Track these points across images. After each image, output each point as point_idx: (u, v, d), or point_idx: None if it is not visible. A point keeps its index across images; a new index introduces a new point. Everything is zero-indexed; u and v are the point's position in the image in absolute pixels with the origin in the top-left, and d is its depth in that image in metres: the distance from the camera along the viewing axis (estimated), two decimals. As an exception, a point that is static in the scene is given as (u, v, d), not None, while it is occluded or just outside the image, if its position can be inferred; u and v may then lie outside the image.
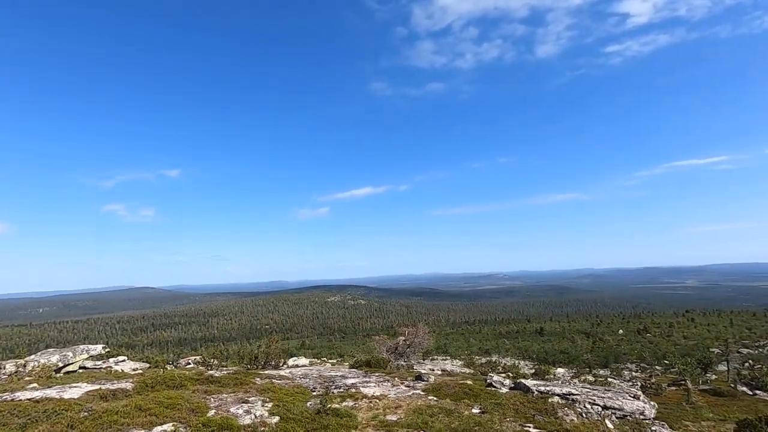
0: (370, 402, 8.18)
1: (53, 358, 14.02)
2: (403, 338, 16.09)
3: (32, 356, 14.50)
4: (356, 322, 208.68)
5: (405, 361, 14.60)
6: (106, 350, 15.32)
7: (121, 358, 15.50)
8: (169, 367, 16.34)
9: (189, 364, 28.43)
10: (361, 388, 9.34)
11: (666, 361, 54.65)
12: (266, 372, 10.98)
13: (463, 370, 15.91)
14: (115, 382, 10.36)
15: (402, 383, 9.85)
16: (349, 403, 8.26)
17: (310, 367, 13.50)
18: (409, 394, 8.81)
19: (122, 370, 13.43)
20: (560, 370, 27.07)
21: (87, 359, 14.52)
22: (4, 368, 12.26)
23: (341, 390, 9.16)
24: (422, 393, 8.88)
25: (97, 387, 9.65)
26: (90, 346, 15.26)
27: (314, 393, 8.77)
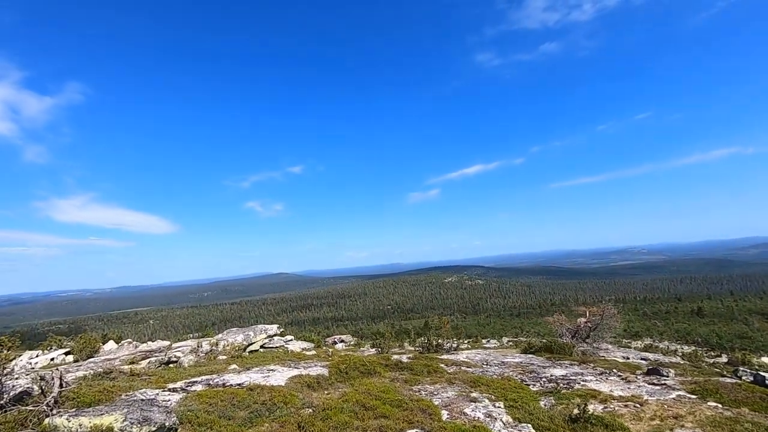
0: (626, 406, 6.46)
1: (238, 337, 15.14)
2: (585, 319, 13.79)
3: (220, 335, 15.96)
4: (475, 302, 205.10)
5: (590, 346, 12.40)
6: (281, 330, 16.27)
7: (288, 337, 16.49)
8: (325, 348, 17.05)
9: (336, 342, 29.93)
10: (590, 384, 7.67)
11: None
12: (445, 357, 10.15)
13: (663, 359, 13.05)
14: (308, 365, 10.63)
15: (636, 378, 7.87)
16: (597, 406, 6.64)
17: (480, 351, 12.27)
18: (672, 396, 6.80)
19: (294, 351, 14.13)
20: (766, 360, 21.51)
21: (266, 339, 15.67)
22: (201, 347, 13.64)
23: (563, 386, 7.61)
24: (689, 396, 6.79)
25: (296, 372, 9.72)
26: (267, 327, 16.33)
27: (533, 388, 7.44)
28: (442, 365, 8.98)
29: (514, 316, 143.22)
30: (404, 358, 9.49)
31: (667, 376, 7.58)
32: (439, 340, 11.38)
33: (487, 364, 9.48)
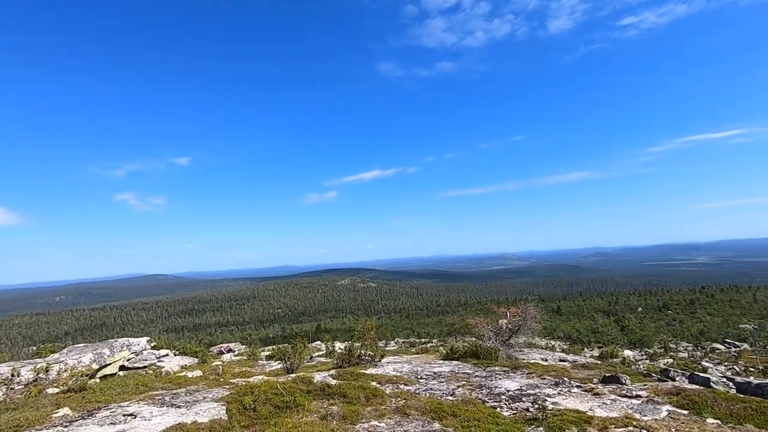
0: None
1: (85, 357, 10.59)
2: (506, 321, 13.26)
3: (56, 355, 11.15)
4: (368, 304, 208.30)
5: (511, 349, 11.85)
6: (152, 344, 12.28)
7: (163, 352, 12.60)
8: (216, 363, 13.82)
9: (223, 352, 26.05)
10: (558, 400, 6.59)
11: (707, 341, 51.71)
12: (372, 372, 8.37)
13: (579, 359, 13.06)
14: (193, 398, 7.39)
15: (602, 390, 6.96)
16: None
17: (403, 360, 10.78)
18: (665, 414, 5.98)
19: (171, 371, 10.71)
20: (628, 353, 24.42)
21: (129, 357, 11.67)
22: (19, 375, 8.68)
23: (534, 406, 6.32)
24: (681, 411, 6.04)
25: (175, 420, 6.06)
26: (131, 340, 12.11)
27: (503, 412, 6.04)
28: (375, 383, 7.22)
29: (404, 317, 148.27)
30: (329, 378, 7.49)
31: (627, 384, 7.09)
32: (361, 350, 9.59)
33: (422, 378, 8.09)
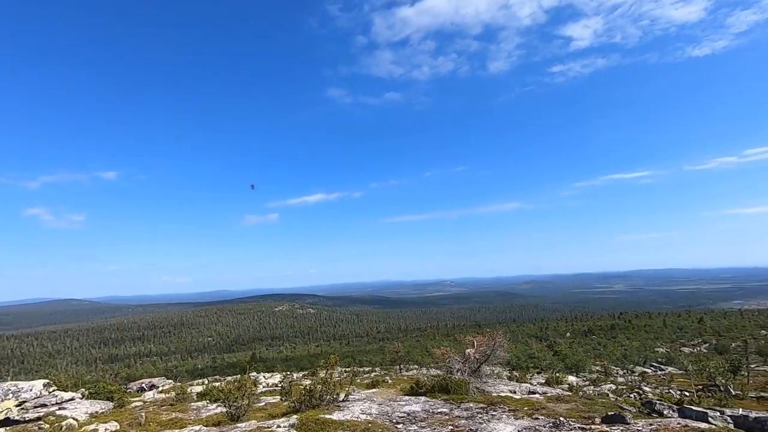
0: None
1: None
2: (473, 350, 12.44)
3: None
4: (306, 331, 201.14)
5: (479, 381, 11.07)
6: (52, 389, 9.18)
7: (68, 395, 10.03)
8: (136, 403, 11.58)
9: (144, 389, 22.85)
10: None
11: (637, 363, 55.19)
12: (337, 417, 6.98)
13: (550, 391, 12.36)
14: None
15: None
16: None
17: (365, 398, 9.41)
18: None
19: (77, 422, 7.98)
20: (572, 379, 24.97)
21: (17, 405, 8.58)
22: None
23: None
24: None
25: None
26: (22, 384, 8.99)
27: None
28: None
29: (344, 344, 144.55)
30: (287, 427, 6.22)
31: (634, 424, 6.48)
32: (323, 391, 8.15)
33: (399, 423, 6.99)
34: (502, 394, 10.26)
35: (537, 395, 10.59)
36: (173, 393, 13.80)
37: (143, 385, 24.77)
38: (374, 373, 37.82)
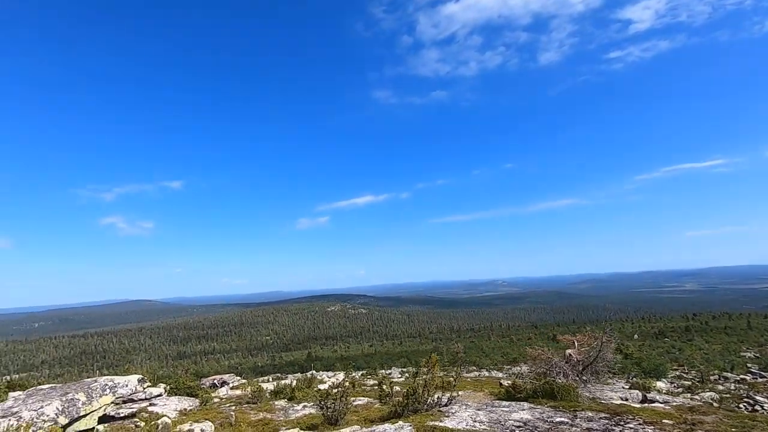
0: None
1: (49, 407, 7.59)
2: (573, 351, 11.29)
3: (10, 403, 8.26)
4: (358, 331, 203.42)
5: (587, 385, 9.90)
6: (146, 385, 9.17)
7: (155, 390, 10.66)
8: (217, 398, 11.84)
9: (216, 386, 23.70)
10: None
11: (717, 369, 50.06)
12: (447, 425, 6.36)
13: (669, 399, 10.68)
14: None
15: None
16: None
17: (470, 405, 8.40)
18: None
19: (170, 420, 8.07)
20: (661, 385, 22.71)
21: (111, 403, 8.66)
22: None
23: None
24: None
25: None
26: (117, 379, 8.98)
27: None
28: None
29: (397, 344, 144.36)
30: None
31: None
32: (422, 392, 7.38)
33: None
34: (616, 402, 9.15)
35: (658, 404, 9.30)
36: (248, 389, 13.89)
37: (215, 381, 25.65)
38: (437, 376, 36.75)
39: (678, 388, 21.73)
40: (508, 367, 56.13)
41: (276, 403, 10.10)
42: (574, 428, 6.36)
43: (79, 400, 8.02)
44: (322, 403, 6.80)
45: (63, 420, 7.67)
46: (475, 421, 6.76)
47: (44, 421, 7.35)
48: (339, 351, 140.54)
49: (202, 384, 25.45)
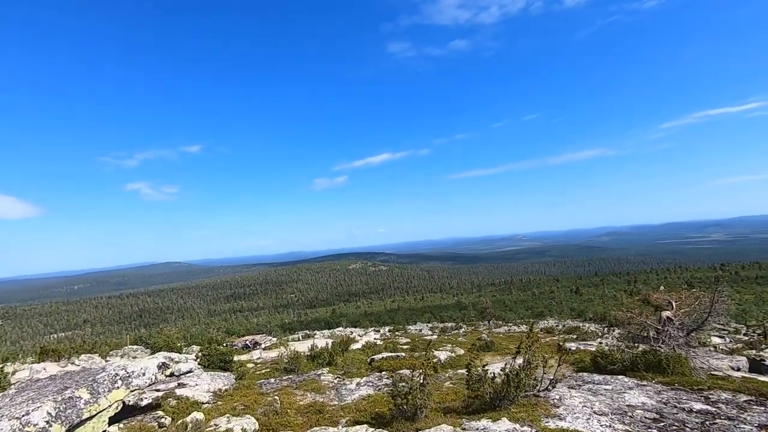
0: None
1: (37, 413, 5.43)
2: (670, 312, 9.62)
3: None
4: (380, 288, 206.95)
5: (686, 352, 8.27)
6: (168, 371, 7.46)
7: (184, 365, 8.88)
8: (248, 364, 10.94)
9: (249, 346, 23.40)
10: None
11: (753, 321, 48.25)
12: (568, 425, 4.74)
13: None
14: None
15: None
16: None
17: (583, 389, 6.43)
18: None
19: (198, 412, 6.51)
20: (716, 340, 21.27)
21: (127, 395, 6.88)
22: None
23: None
24: None
25: None
26: (131, 366, 7.07)
27: None
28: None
29: (419, 300, 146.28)
30: None
31: None
32: (524, 377, 5.46)
33: None
34: (732, 373, 7.65)
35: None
36: (282, 350, 12.88)
37: (247, 342, 25.29)
38: (461, 330, 35.97)
39: (736, 343, 20.12)
40: (535, 320, 55.50)
41: (322, 377, 8.85)
42: (737, 424, 4.72)
43: (80, 398, 5.99)
44: (396, 394, 5.26)
45: (58, 429, 5.50)
46: (594, 412, 5.29)
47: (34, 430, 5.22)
48: (362, 307, 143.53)
49: (234, 345, 25.19)
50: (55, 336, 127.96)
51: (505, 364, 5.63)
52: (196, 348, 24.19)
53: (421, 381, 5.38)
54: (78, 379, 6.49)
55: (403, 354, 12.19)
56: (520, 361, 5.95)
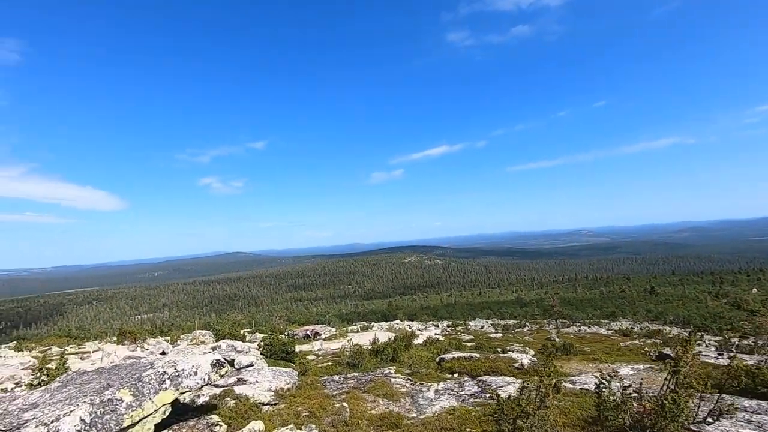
0: None
1: (67, 419, 4.39)
2: None
3: (36, 397, 5.27)
4: (435, 281, 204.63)
5: None
6: (224, 370, 6.06)
7: (245, 358, 8.76)
8: (312, 358, 10.29)
9: (310, 336, 23.35)
10: None
11: None
12: None
13: None
14: None
15: None
16: None
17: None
18: None
19: (256, 401, 6.32)
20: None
21: (177, 396, 5.74)
22: None
23: None
24: None
25: None
26: (182, 365, 5.89)
27: None
28: None
29: (476, 295, 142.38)
30: None
31: None
32: (680, 398, 4.13)
33: None
34: None
35: None
36: (343, 342, 12.19)
37: (308, 332, 25.27)
38: (525, 329, 33.65)
39: None
40: (606, 321, 51.12)
41: (392, 378, 7.87)
42: None
43: (121, 401, 4.99)
44: (501, 417, 4.00)
45: (88, 438, 4.55)
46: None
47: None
48: (418, 300, 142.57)
49: (296, 334, 25.28)
50: (139, 318, 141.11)
51: (619, 379, 4.24)
52: (259, 336, 24.58)
53: (538, 402, 4.15)
54: (123, 376, 5.64)
55: (477, 355, 10.93)
56: (624, 371, 4.52)
